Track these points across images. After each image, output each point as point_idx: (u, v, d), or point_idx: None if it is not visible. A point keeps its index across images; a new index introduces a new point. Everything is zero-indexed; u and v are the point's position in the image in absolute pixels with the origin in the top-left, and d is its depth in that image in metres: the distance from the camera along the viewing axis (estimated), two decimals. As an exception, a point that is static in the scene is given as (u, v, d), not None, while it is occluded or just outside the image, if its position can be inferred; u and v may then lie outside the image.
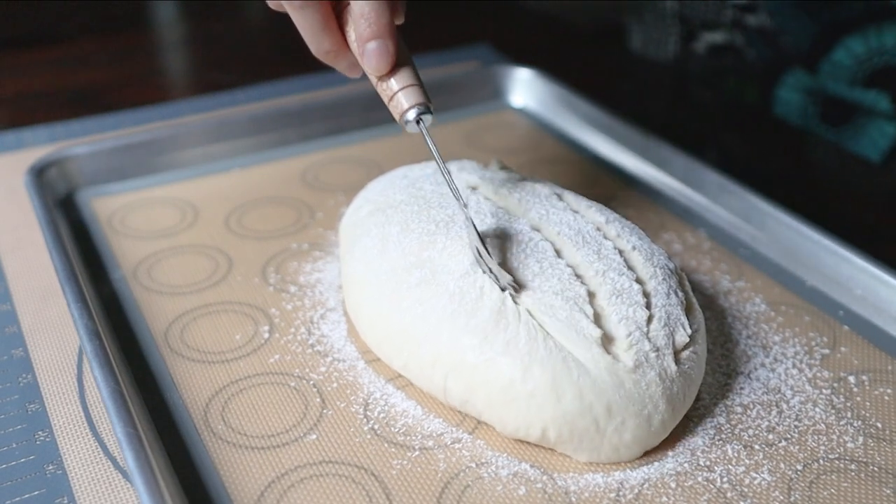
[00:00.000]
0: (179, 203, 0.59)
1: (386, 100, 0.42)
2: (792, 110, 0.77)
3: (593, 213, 0.47)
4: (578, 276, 0.41)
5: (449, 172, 0.43)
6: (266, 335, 0.47)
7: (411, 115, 0.41)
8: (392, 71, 0.41)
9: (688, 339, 0.41)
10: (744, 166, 0.65)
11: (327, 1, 0.42)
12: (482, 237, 0.41)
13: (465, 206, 0.42)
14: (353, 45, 0.42)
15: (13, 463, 0.39)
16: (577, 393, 0.38)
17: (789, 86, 0.77)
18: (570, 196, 0.49)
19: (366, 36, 0.40)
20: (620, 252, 0.44)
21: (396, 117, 0.42)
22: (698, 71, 0.84)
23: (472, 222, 0.41)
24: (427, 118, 0.41)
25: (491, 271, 0.40)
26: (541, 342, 0.38)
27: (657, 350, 0.39)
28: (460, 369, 0.40)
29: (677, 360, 0.40)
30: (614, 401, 0.38)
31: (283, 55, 0.86)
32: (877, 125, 0.72)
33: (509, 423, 0.39)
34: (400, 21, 0.43)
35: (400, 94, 0.41)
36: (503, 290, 0.40)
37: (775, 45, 0.76)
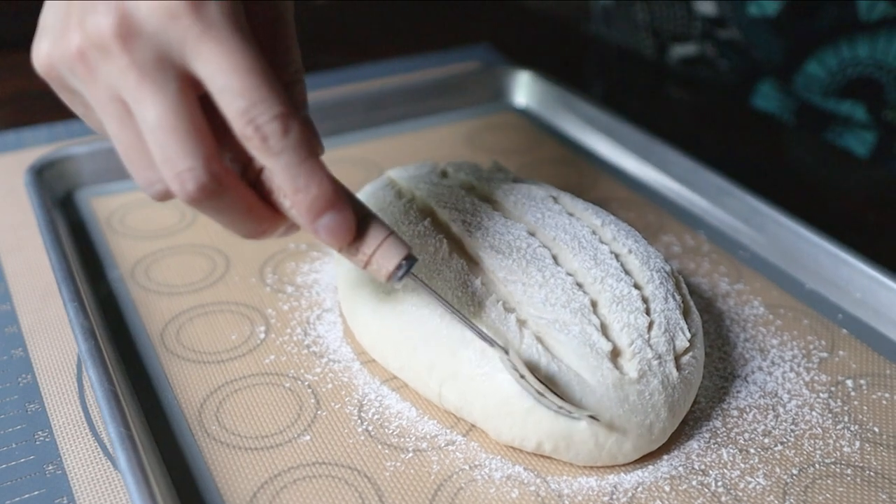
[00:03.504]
0: (178, 203, 0.59)
1: (360, 265, 0.36)
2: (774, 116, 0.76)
3: (589, 216, 0.47)
4: (579, 285, 0.41)
5: (466, 317, 0.38)
6: (262, 335, 0.47)
7: (401, 272, 0.36)
8: (355, 234, 0.35)
9: (688, 344, 0.40)
10: (743, 168, 0.64)
11: (241, 182, 0.34)
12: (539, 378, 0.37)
13: (506, 350, 0.37)
14: (291, 213, 0.35)
15: (13, 463, 0.39)
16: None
17: (763, 95, 0.77)
18: (566, 198, 0.49)
19: (313, 212, 0.33)
20: (616, 256, 0.44)
21: (381, 279, 0.36)
22: (674, 82, 0.84)
23: (517, 367, 0.37)
24: (415, 266, 0.36)
25: (561, 403, 0.36)
26: (543, 366, 0.38)
27: (659, 357, 0.39)
28: (457, 378, 0.39)
29: (678, 366, 0.40)
30: (617, 415, 0.37)
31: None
32: (854, 133, 0.71)
33: (504, 433, 0.39)
34: (321, 153, 0.36)
35: (379, 255, 0.35)
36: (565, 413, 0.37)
37: (748, 57, 0.76)
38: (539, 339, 0.39)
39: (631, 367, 0.38)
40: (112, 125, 0.33)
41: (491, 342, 0.38)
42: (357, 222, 0.35)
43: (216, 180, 0.32)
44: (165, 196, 0.33)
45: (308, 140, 0.32)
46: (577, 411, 0.36)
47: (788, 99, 0.75)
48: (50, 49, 0.32)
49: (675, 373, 0.39)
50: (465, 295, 0.40)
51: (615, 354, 0.39)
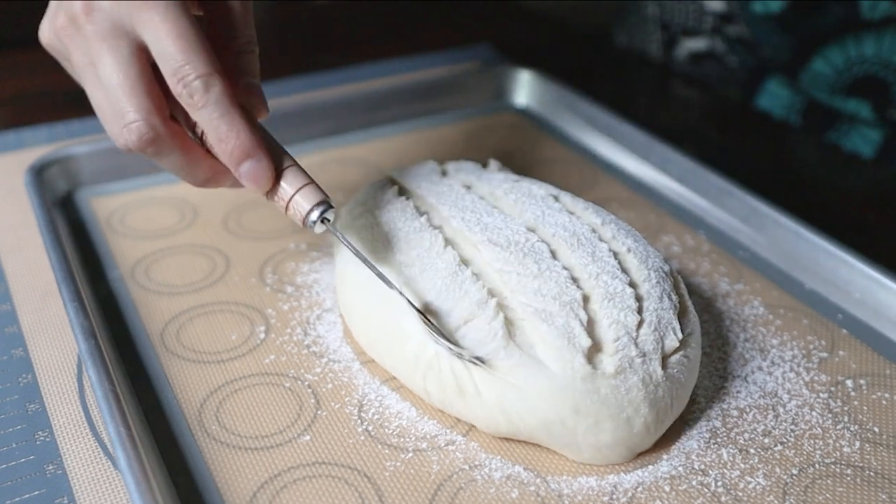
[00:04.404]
0: (178, 203, 0.59)
1: (281, 210, 0.40)
2: (774, 117, 0.76)
3: (589, 215, 0.47)
4: (574, 279, 0.41)
5: (371, 263, 0.42)
6: (262, 335, 0.47)
7: (314, 215, 0.40)
8: (276, 180, 0.40)
9: (678, 344, 0.40)
10: (744, 168, 0.65)
11: (183, 135, 0.40)
12: (423, 313, 0.40)
13: (398, 289, 0.41)
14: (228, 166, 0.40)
15: (13, 463, 0.39)
16: (534, 393, 0.38)
17: (770, 93, 0.77)
18: (566, 197, 0.49)
19: (234, 160, 0.39)
20: (615, 254, 0.44)
21: (298, 223, 0.40)
22: (681, 77, 0.84)
23: (409, 301, 0.40)
24: (330, 214, 0.40)
25: (450, 343, 0.39)
26: (497, 345, 0.38)
27: (643, 355, 0.39)
28: (434, 370, 0.40)
29: (665, 365, 0.40)
30: (583, 403, 0.38)
31: (282, 55, 0.86)
32: (860, 132, 0.72)
33: (480, 420, 0.39)
34: (264, 115, 0.42)
35: (295, 201, 0.40)
36: (471, 361, 0.39)
37: (755, 54, 0.76)
38: (509, 324, 0.39)
39: (610, 362, 0.38)
40: (88, 85, 0.40)
41: (389, 285, 0.41)
42: (279, 171, 0.40)
43: (156, 132, 0.38)
44: (130, 147, 0.39)
45: (230, 97, 0.38)
46: (466, 352, 0.39)
47: (796, 97, 0.75)
48: (48, 28, 0.41)
49: (659, 371, 0.39)
50: (454, 283, 0.41)
51: (596, 349, 0.39)
